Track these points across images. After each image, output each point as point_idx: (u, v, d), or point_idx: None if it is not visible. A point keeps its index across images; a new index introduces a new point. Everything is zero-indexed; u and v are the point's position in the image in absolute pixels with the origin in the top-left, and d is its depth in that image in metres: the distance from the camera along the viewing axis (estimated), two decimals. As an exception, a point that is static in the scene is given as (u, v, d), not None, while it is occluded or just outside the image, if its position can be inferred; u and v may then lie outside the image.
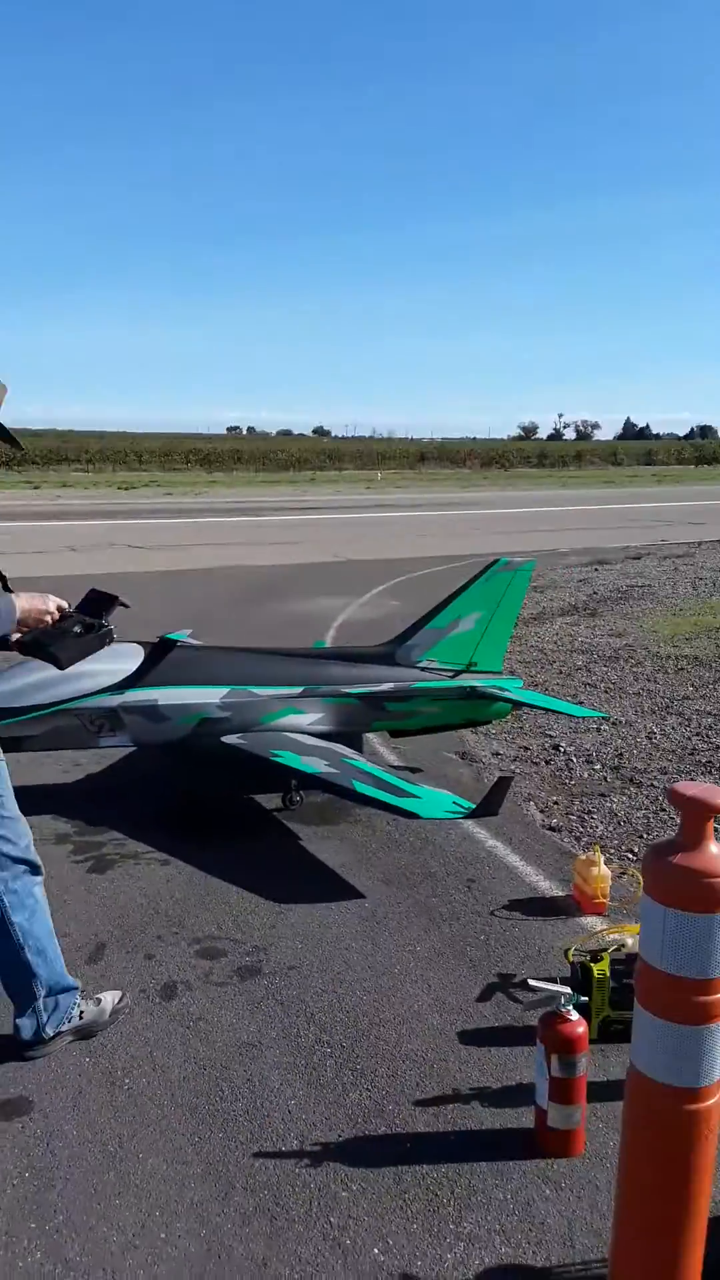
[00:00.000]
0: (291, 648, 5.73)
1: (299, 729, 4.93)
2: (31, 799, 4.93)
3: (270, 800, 5.08)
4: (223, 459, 52.29)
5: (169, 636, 5.11)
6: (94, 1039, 3.10)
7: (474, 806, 4.05)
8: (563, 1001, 2.58)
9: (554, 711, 5.95)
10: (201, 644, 5.52)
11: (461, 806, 4.15)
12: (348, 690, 5.11)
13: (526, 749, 6.15)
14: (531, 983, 2.67)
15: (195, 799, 5.11)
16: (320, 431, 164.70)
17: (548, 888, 4.20)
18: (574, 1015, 2.59)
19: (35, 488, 32.78)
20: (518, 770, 5.77)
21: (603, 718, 6.56)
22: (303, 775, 4.49)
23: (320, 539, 19.13)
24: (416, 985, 3.43)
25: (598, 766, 5.82)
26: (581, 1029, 2.58)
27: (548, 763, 5.91)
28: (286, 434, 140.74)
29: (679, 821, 1.93)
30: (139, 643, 5.08)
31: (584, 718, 6.45)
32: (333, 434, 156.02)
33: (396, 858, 4.48)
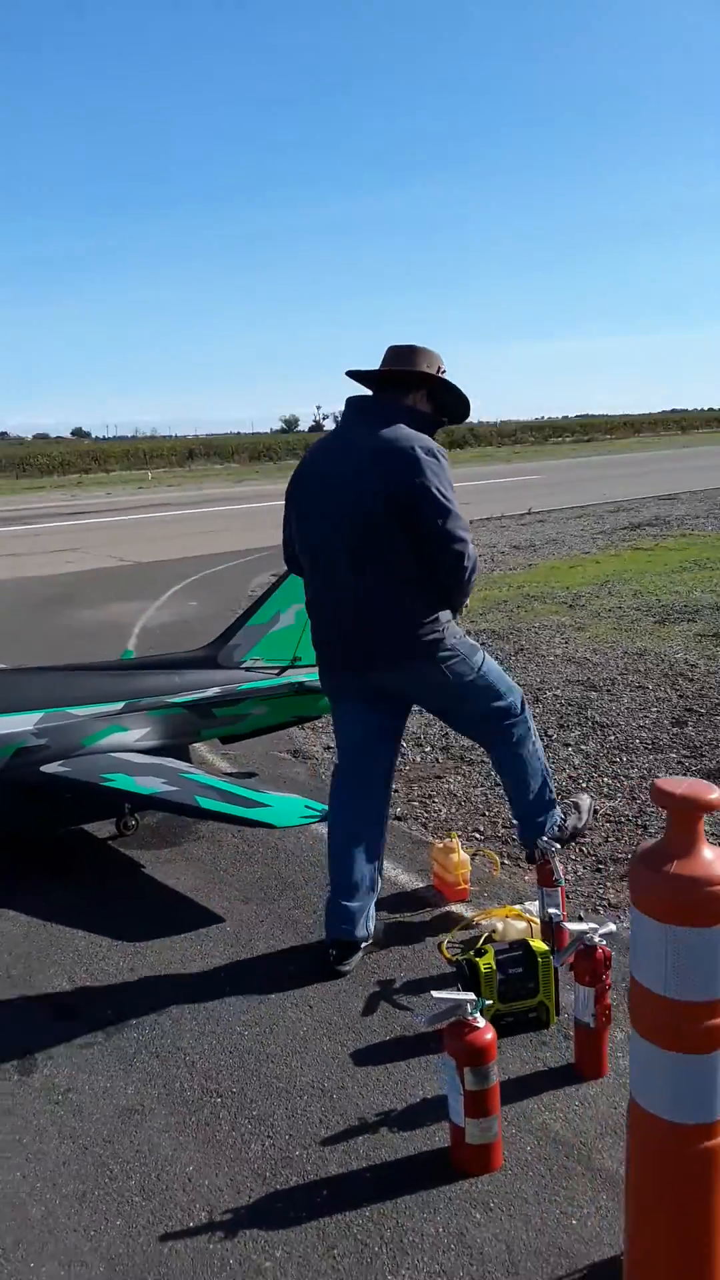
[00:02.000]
0: (105, 661, 5.34)
1: (126, 747, 4.59)
2: None
3: (101, 829, 4.72)
4: (-23, 466, 49.42)
5: None
6: (-52, 1137, 2.72)
7: (325, 808, 3.89)
8: (469, 1009, 2.47)
9: None
10: (6, 666, 5.06)
11: (314, 810, 3.98)
12: (172, 700, 4.81)
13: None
14: (434, 995, 2.54)
15: (18, 839, 4.66)
16: (80, 433, 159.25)
17: (408, 880, 4.10)
18: (481, 1022, 2.48)
19: None
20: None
21: None
22: (139, 797, 4.16)
23: (99, 543, 18.35)
24: (298, 1009, 3.24)
25: (428, 749, 5.81)
26: (491, 1035, 2.47)
27: (381, 752, 5.83)
28: (44, 437, 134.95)
29: (666, 823, 1.78)
30: None
31: None
32: (93, 435, 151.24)
33: (250, 871, 4.25)
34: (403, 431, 3.27)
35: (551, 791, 3.87)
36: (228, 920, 3.84)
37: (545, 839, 3.41)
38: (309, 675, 5.22)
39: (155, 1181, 2.53)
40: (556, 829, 3.83)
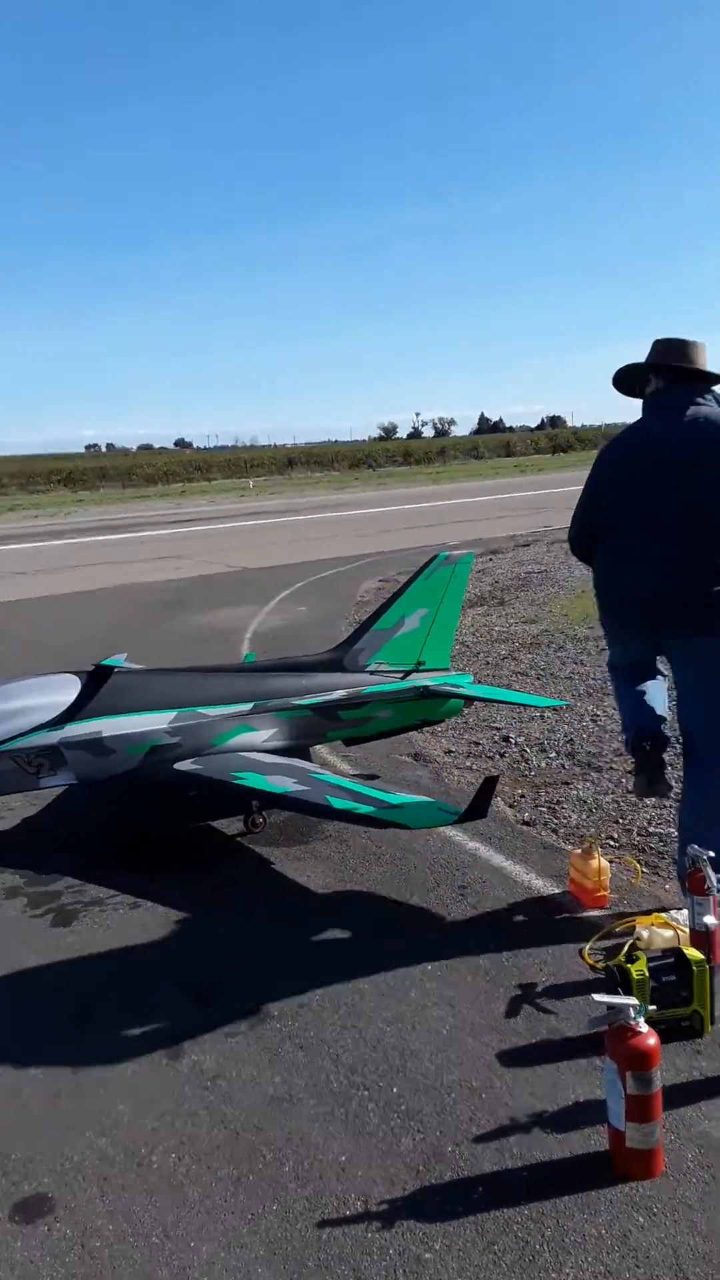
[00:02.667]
0: (233, 663, 5.43)
1: (254, 747, 4.65)
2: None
3: (229, 825, 4.79)
4: (87, 477, 50.89)
5: (105, 663, 4.77)
6: (105, 1113, 2.78)
7: (461, 810, 3.87)
8: (632, 1013, 2.42)
9: (511, 704, 5.82)
10: (141, 668, 5.18)
11: (448, 811, 3.96)
12: (299, 702, 4.86)
13: (477, 744, 6.02)
14: (596, 998, 2.50)
15: (150, 834, 4.76)
16: (182, 443, 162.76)
17: (542, 886, 4.05)
18: (644, 1027, 2.43)
19: None
20: (473, 766, 5.63)
21: (563, 706, 6.41)
22: (270, 796, 4.20)
23: (205, 550, 18.71)
24: (439, 1007, 3.22)
25: (552, 755, 5.74)
26: (654, 1040, 2.42)
27: (502, 755, 5.79)
28: (147, 448, 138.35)
29: None
30: (74, 672, 4.74)
31: (542, 707, 6.30)
32: (194, 445, 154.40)
33: (379, 871, 4.26)
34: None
35: None
36: (359, 919, 3.85)
37: (697, 847, 3.31)
38: (434, 679, 5.22)
39: (309, 1169, 2.55)
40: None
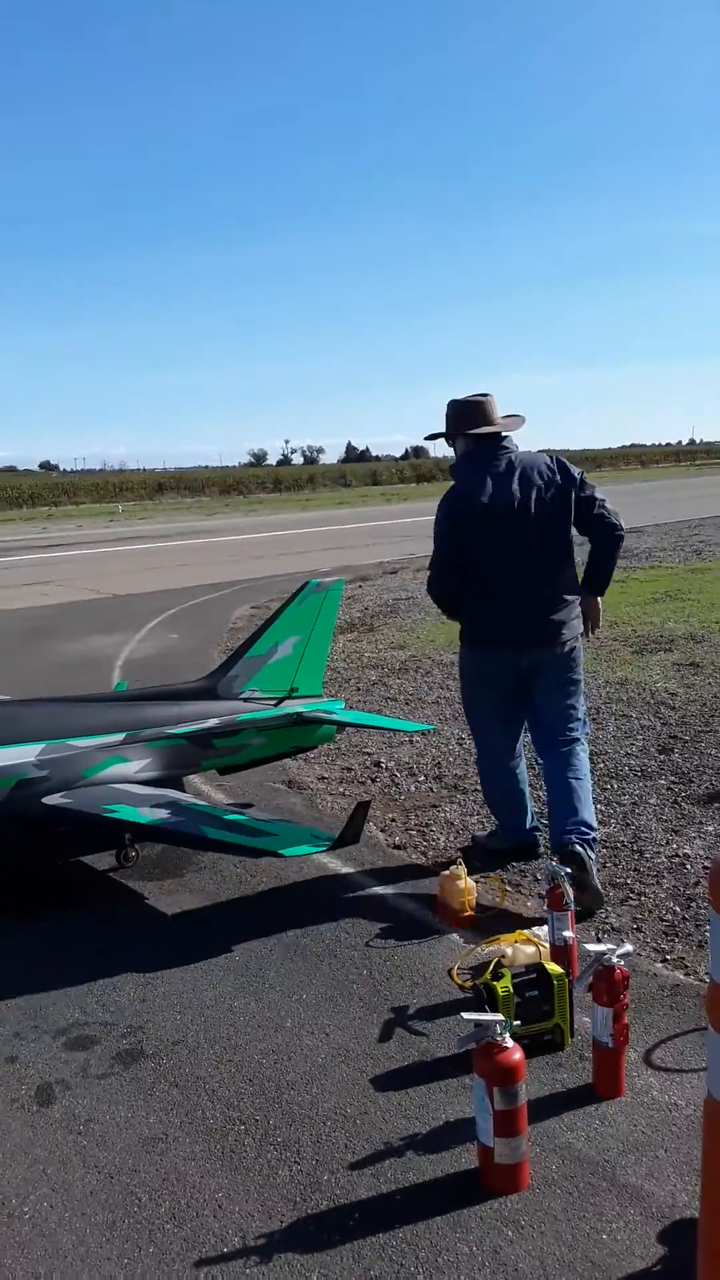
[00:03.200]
0: (104, 693, 5.34)
1: (127, 778, 4.58)
2: None
3: (100, 860, 4.71)
4: (-54, 501, 49.13)
5: None
6: (-28, 1169, 2.71)
7: (334, 837, 3.93)
8: (498, 1029, 2.52)
9: (381, 729, 5.92)
10: (7, 698, 5.06)
11: (321, 838, 4.02)
12: (172, 731, 4.82)
13: (349, 769, 6.10)
14: (465, 1016, 2.58)
15: (18, 870, 4.64)
16: (48, 466, 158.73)
17: (413, 908, 4.14)
18: (510, 1043, 2.53)
19: None
20: (345, 792, 5.71)
21: (429, 730, 6.56)
22: (143, 828, 4.17)
23: (73, 576, 18.33)
24: (314, 1036, 3.26)
25: (421, 779, 5.86)
26: (519, 1055, 2.52)
27: (374, 780, 5.89)
28: (11, 470, 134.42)
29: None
30: None
31: (411, 731, 6.45)
32: (61, 468, 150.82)
33: (254, 901, 4.27)
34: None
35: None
36: (235, 950, 3.85)
37: (555, 864, 3.47)
38: (307, 706, 5.27)
39: (185, 1209, 2.54)
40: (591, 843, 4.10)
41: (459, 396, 4.32)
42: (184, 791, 4.86)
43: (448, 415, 4.34)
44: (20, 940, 4.00)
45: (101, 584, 16.75)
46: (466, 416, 4.28)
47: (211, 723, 4.92)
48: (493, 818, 4.78)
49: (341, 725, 5.57)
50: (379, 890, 4.33)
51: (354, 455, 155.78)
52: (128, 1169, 2.70)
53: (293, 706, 5.25)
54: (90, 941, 3.97)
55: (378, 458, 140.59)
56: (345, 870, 4.54)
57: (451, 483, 4.34)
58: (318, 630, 5.40)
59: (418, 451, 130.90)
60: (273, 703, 5.24)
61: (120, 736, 4.65)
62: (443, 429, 4.41)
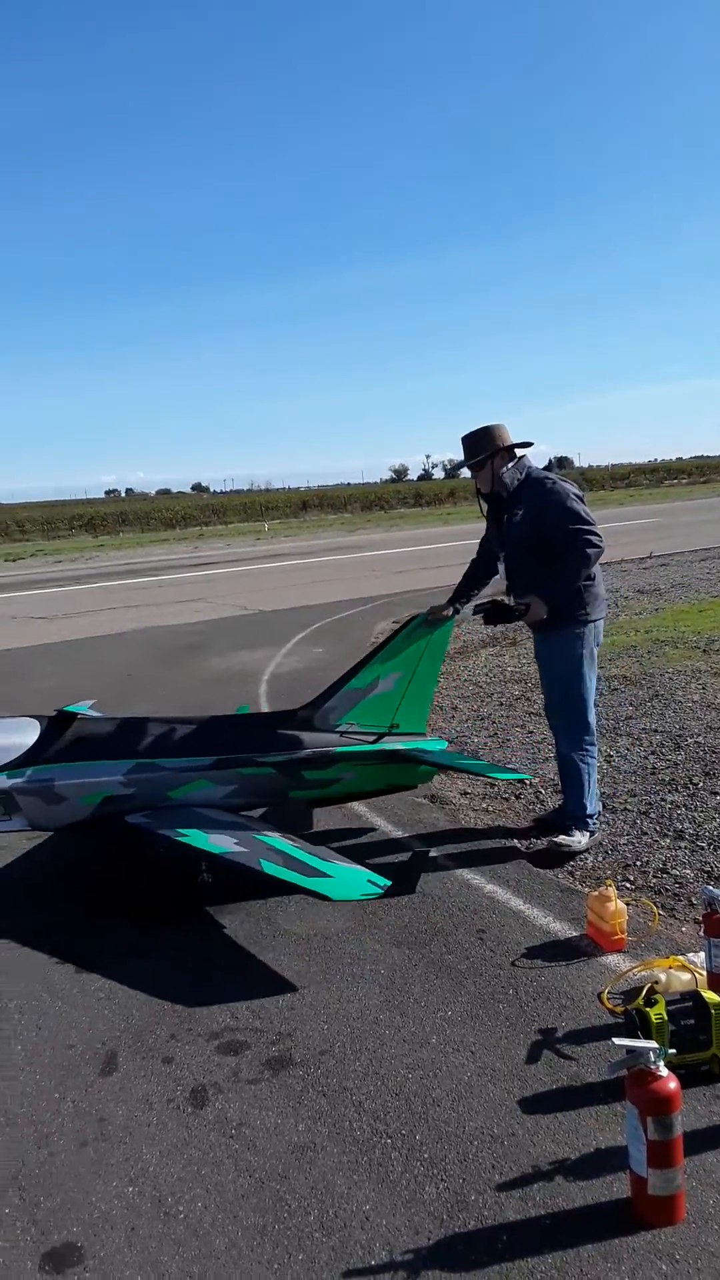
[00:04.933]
0: (201, 715, 5.26)
1: (211, 802, 4.59)
2: None
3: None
4: (107, 522, 51.35)
5: (68, 709, 4.79)
6: (132, 1161, 2.82)
7: (389, 883, 3.87)
8: (652, 1057, 2.45)
9: (476, 774, 5.58)
10: (104, 715, 5.15)
11: (377, 885, 3.89)
12: (262, 759, 4.74)
13: (493, 785, 6.05)
14: (616, 1041, 2.53)
15: (146, 883, 4.75)
16: (199, 487, 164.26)
17: (560, 929, 4.07)
18: (664, 1071, 2.45)
19: None
20: (489, 808, 5.66)
21: (526, 780, 5.96)
22: (208, 855, 4.11)
23: (223, 593, 18.86)
24: (460, 1054, 3.25)
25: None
26: (675, 1084, 2.44)
27: (518, 797, 5.82)
28: (166, 492, 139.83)
29: None
30: (35, 717, 4.74)
31: (506, 780, 5.89)
32: (211, 489, 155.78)
33: (399, 916, 4.29)
34: None
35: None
36: (381, 965, 3.88)
37: (712, 888, 3.35)
38: (406, 744, 5.04)
39: (333, 1219, 2.57)
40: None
41: (490, 425, 4.93)
42: (309, 821, 4.86)
43: (501, 432, 4.93)
44: (172, 949, 4.13)
45: (249, 600, 17.18)
46: (508, 434, 4.94)
47: (303, 753, 4.81)
48: (579, 813, 4.96)
49: (440, 767, 5.27)
50: (524, 909, 4.27)
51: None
52: (278, 1175, 2.75)
53: (391, 744, 5.02)
54: (238, 951, 4.06)
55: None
56: (490, 888, 4.50)
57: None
58: (423, 666, 5.11)
59: (561, 462, 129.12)
60: (372, 738, 5.02)
61: (209, 760, 4.64)
62: (483, 451, 4.92)
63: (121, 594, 19.60)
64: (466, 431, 4.96)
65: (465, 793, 5.98)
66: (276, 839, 4.30)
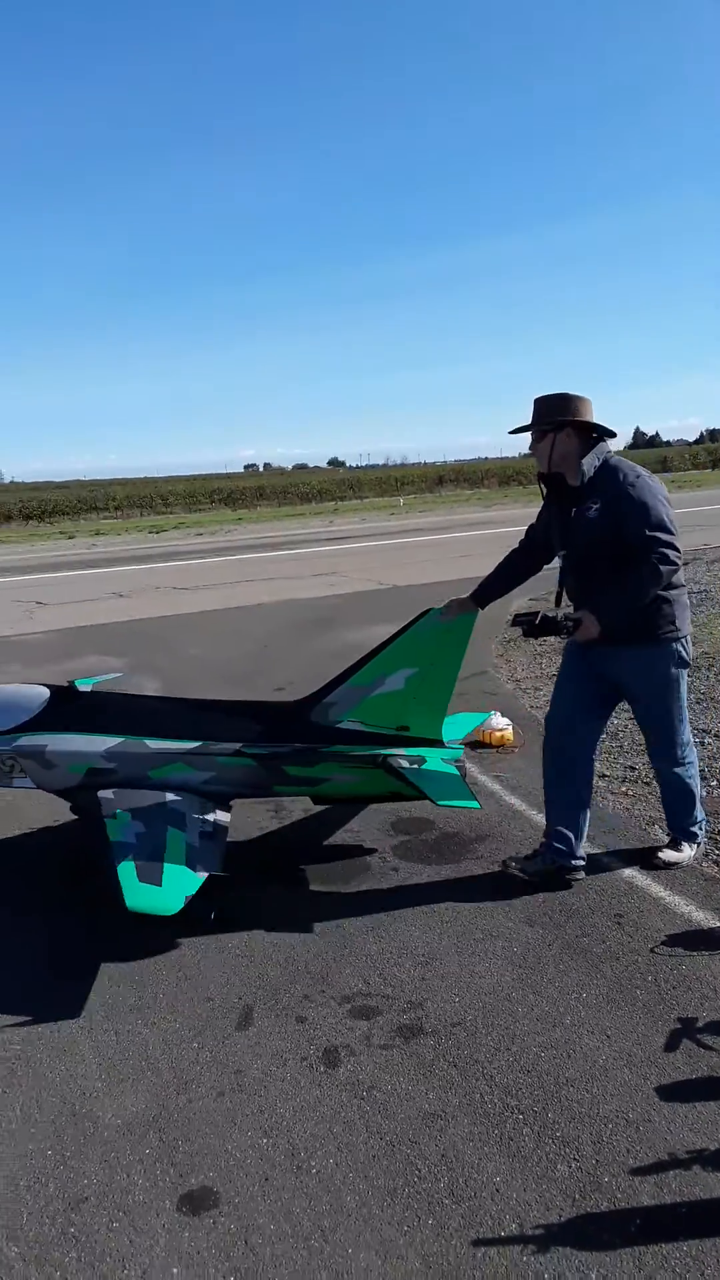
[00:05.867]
0: (204, 699, 5.14)
1: (189, 787, 4.45)
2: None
3: (379, 841, 4.87)
4: (245, 496, 52.37)
5: (79, 682, 4.92)
6: (266, 1114, 2.90)
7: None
8: None
9: (428, 800, 4.51)
10: (108, 691, 5.14)
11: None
12: (245, 749, 4.54)
13: (633, 768, 5.90)
14: (762, 1035, 2.44)
15: (288, 843, 4.84)
16: (335, 462, 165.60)
17: (703, 919, 3.95)
18: None
19: (70, 537, 32.89)
20: (629, 791, 5.53)
21: (474, 807, 4.50)
22: (107, 844, 3.97)
23: (359, 567, 18.97)
24: (594, 1037, 3.20)
25: (714, 784, 5.56)
26: None
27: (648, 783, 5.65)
28: (302, 467, 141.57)
29: None
30: (48, 685, 4.85)
31: (460, 807, 4.59)
32: (347, 464, 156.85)
33: (532, 895, 4.24)
34: None
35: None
36: (515, 942, 3.85)
37: None
38: (410, 749, 4.56)
39: (463, 1187, 2.58)
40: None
41: (571, 393, 4.16)
42: (224, 813, 4.49)
43: (583, 406, 4.15)
44: (304, 909, 4.21)
45: (383, 575, 17.23)
46: (592, 411, 4.19)
47: (286, 748, 4.56)
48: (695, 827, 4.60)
49: (414, 790, 4.46)
50: (665, 896, 4.16)
51: (642, 440, 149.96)
52: (408, 1139, 2.77)
53: (384, 749, 4.54)
54: (371, 919, 4.10)
55: (668, 443, 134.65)
56: (630, 872, 4.41)
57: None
58: (439, 665, 4.55)
59: (714, 435, 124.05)
60: (378, 739, 4.58)
61: (191, 745, 4.52)
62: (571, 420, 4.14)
63: (258, 566, 19.97)
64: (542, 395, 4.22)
65: (603, 775, 5.86)
66: (183, 837, 4.09)
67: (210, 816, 4.31)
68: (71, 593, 16.43)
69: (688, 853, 4.52)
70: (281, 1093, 3.01)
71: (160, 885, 3.71)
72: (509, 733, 6.54)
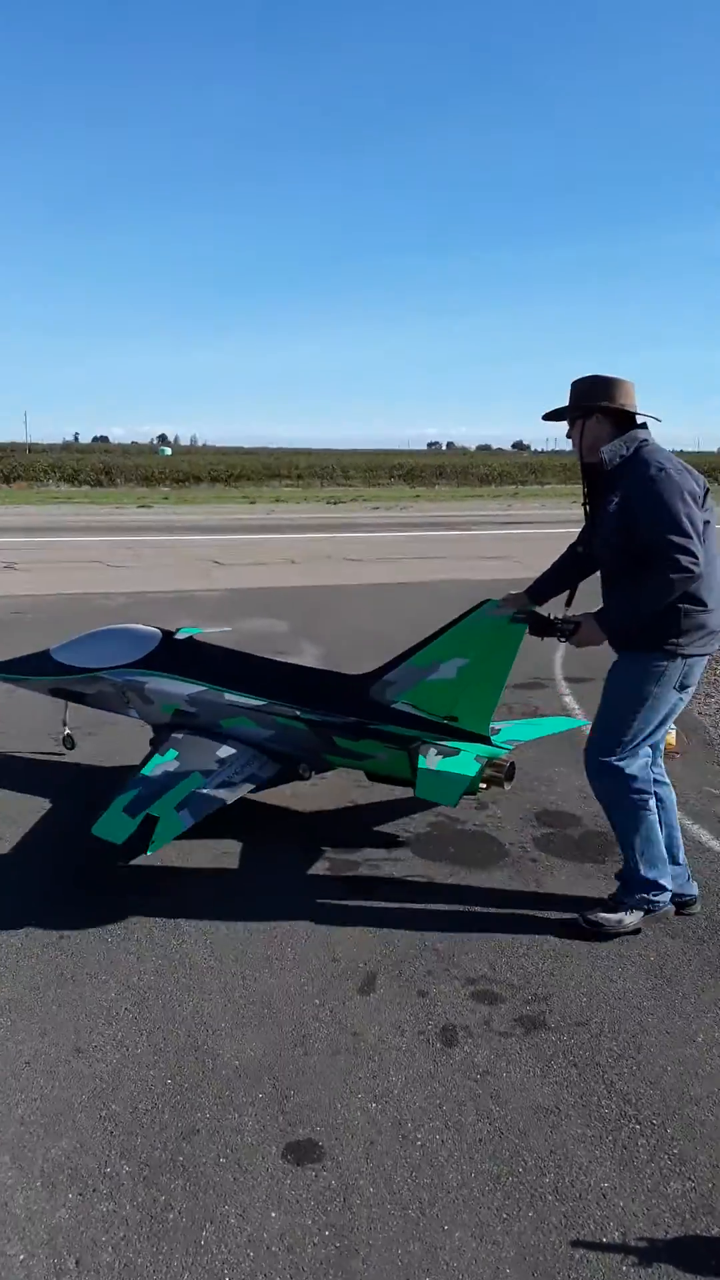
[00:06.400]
0: (282, 661, 5.29)
1: (252, 741, 4.72)
2: (278, 817, 4.92)
3: (519, 832, 4.79)
4: (425, 474, 52.41)
5: (186, 629, 5.34)
6: (378, 1080, 2.92)
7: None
8: None
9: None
10: (205, 642, 5.34)
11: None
12: (301, 714, 4.63)
13: None
14: None
15: (429, 822, 4.84)
16: (519, 445, 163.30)
17: None
18: None
19: (251, 502, 33.84)
20: None
21: (450, 804, 4.36)
22: (138, 769, 4.39)
23: (531, 554, 18.62)
24: (727, 1060, 3.06)
25: None
26: None
27: None
28: (486, 449, 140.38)
29: None
30: (160, 629, 5.29)
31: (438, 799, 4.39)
32: (533, 448, 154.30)
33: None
34: None
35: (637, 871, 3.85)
36: (653, 952, 3.72)
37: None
38: (449, 740, 4.37)
39: (569, 1186, 2.53)
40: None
41: (610, 376, 3.83)
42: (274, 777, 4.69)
43: (616, 390, 3.79)
44: (442, 888, 4.20)
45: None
46: (629, 396, 3.81)
47: (338, 719, 4.59)
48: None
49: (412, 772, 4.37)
50: None
51: None
52: (518, 1130, 2.74)
53: (421, 731, 4.43)
54: (505, 909, 4.05)
55: None
56: (782, 894, 4.17)
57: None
58: (491, 659, 4.34)
59: None
60: (429, 726, 4.45)
61: (258, 702, 4.77)
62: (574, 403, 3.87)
63: (429, 545, 19.97)
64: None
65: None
66: (200, 796, 4.24)
67: (249, 770, 4.52)
68: (247, 555, 16.91)
69: (622, 918, 3.81)
70: (395, 1062, 3.03)
71: (132, 818, 4.03)
72: (671, 736, 6.30)
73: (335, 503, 35.04)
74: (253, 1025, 3.20)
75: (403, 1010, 3.30)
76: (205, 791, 4.29)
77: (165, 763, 4.43)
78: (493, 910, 4.02)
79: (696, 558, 3.45)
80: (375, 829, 4.85)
